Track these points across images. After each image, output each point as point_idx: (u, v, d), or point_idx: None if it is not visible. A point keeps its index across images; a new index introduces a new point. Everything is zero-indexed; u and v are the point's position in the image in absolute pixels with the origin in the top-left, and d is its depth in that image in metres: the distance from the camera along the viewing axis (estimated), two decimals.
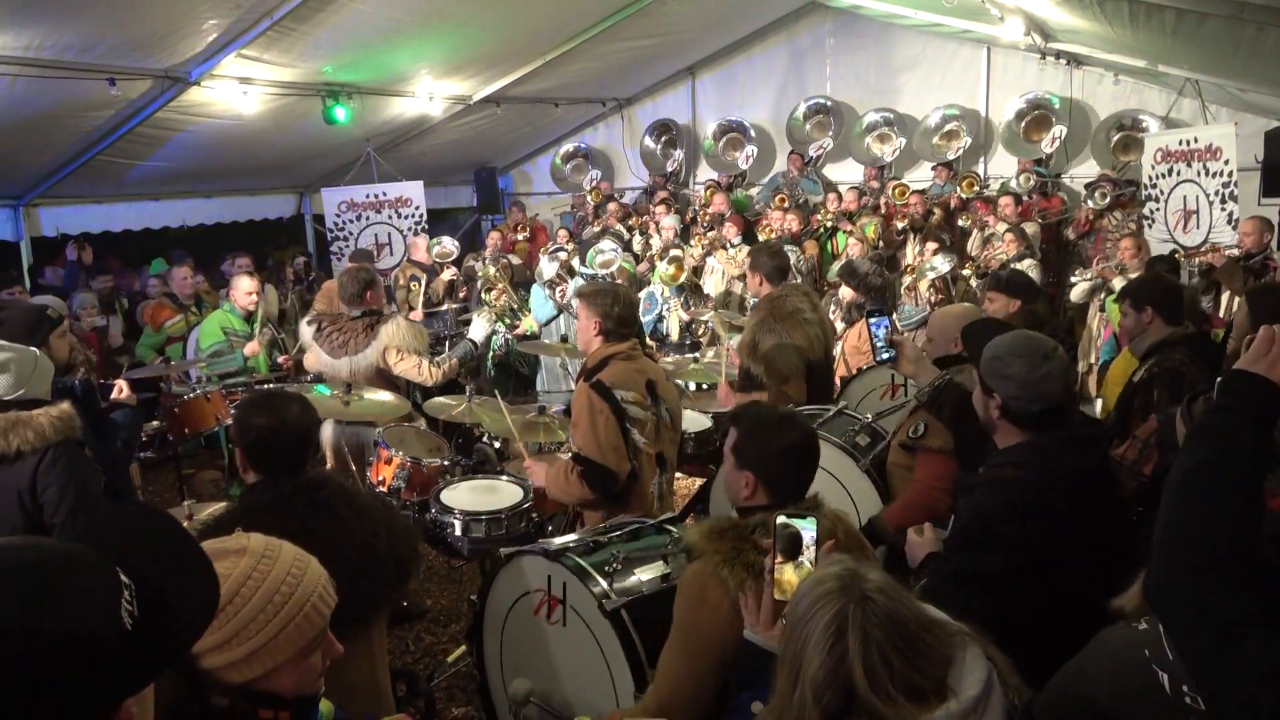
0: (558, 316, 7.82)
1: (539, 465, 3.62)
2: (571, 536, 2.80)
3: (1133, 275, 6.43)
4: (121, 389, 3.87)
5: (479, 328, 5.18)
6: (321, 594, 1.48)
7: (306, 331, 4.85)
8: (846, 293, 5.72)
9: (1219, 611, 1.30)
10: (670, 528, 2.84)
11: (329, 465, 4.58)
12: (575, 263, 8.11)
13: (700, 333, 8.04)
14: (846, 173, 10.84)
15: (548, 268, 7.96)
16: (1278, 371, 1.42)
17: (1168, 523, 1.41)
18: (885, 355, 3.06)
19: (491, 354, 8.41)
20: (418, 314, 7.40)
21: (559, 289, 7.79)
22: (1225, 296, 6.25)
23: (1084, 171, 9.55)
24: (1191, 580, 1.35)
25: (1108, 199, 8.40)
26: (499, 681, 2.87)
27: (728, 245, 8.83)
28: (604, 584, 2.45)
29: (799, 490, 2.19)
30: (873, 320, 3.09)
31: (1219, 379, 1.53)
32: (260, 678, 1.42)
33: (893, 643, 1.33)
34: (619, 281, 7.25)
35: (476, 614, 2.93)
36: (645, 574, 2.54)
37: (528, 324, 8.14)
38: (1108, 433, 2.51)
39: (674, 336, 8.12)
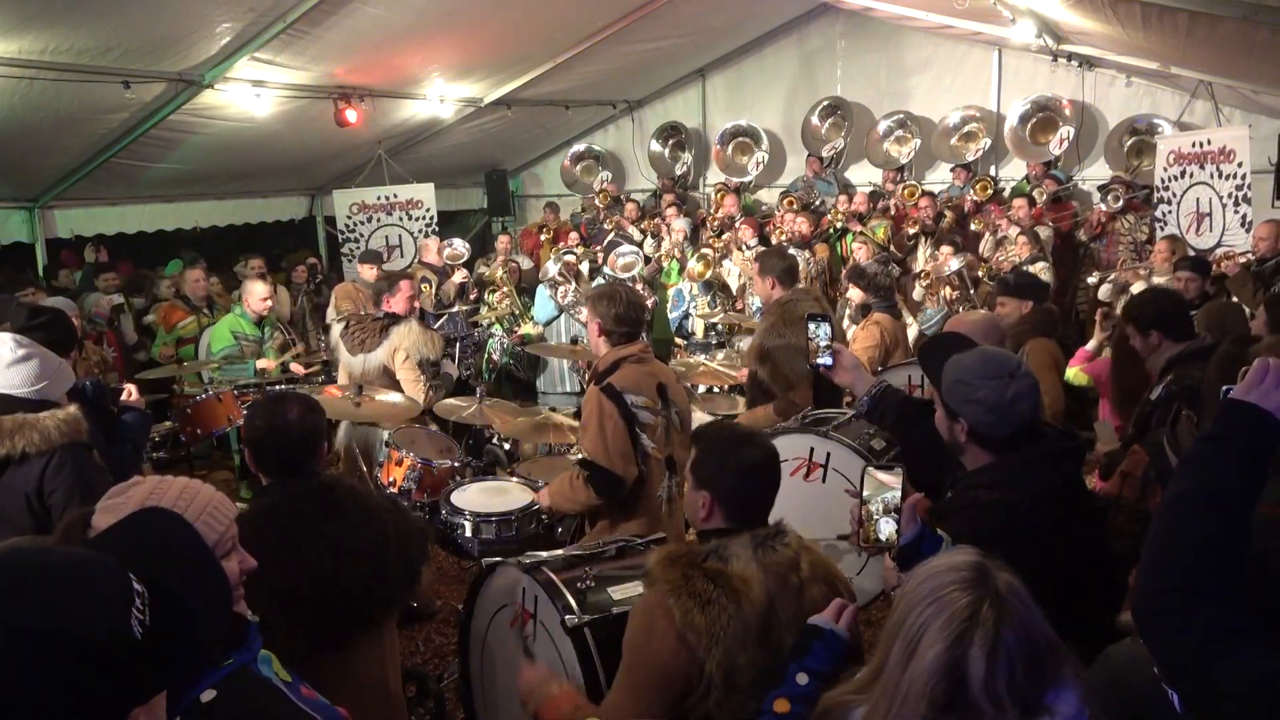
0: (559, 317, 7.83)
1: (544, 491, 3.61)
2: (558, 551, 2.75)
3: (1158, 279, 6.34)
4: (131, 393, 3.88)
5: (451, 368, 5.36)
6: (217, 504, 1.62)
7: (336, 330, 5.05)
8: (856, 294, 5.70)
9: (1201, 628, 1.33)
10: (658, 547, 2.80)
11: (341, 466, 4.62)
12: (584, 266, 8.12)
13: (722, 331, 8.05)
14: (864, 175, 10.82)
15: (552, 268, 7.98)
16: (1271, 401, 1.44)
17: (1152, 546, 1.45)
18: (822, 360, 2.86)
19: (486, 358, 8.42)
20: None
21: (560, 289, 7.80)
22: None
23: (1095, 174, 9.50)
24: (1173, 600, 1.37)
25: (1120, 201, 8.35)
26: (479, 692, 2.85)
27: (744, 247, 8.82)
28: (571, 600, 2.39)
29: (759, 512, 2.11)
30: (812, 323, 2.90)
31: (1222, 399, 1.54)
32: None
33: (1021, 651, 1.30)
34: (636, 285, 7.26)
35: (462, 624, 2.90)
36: (619, 593, 2.46)
37: (527, 329, 8.15)
38: (1082, 446, 2.45)
39: (699, 335, 8.14)
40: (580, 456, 3.40)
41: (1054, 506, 2.12)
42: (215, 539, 1.56)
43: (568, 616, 2.35)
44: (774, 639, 1.93)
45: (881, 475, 1.91)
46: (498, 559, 2.74)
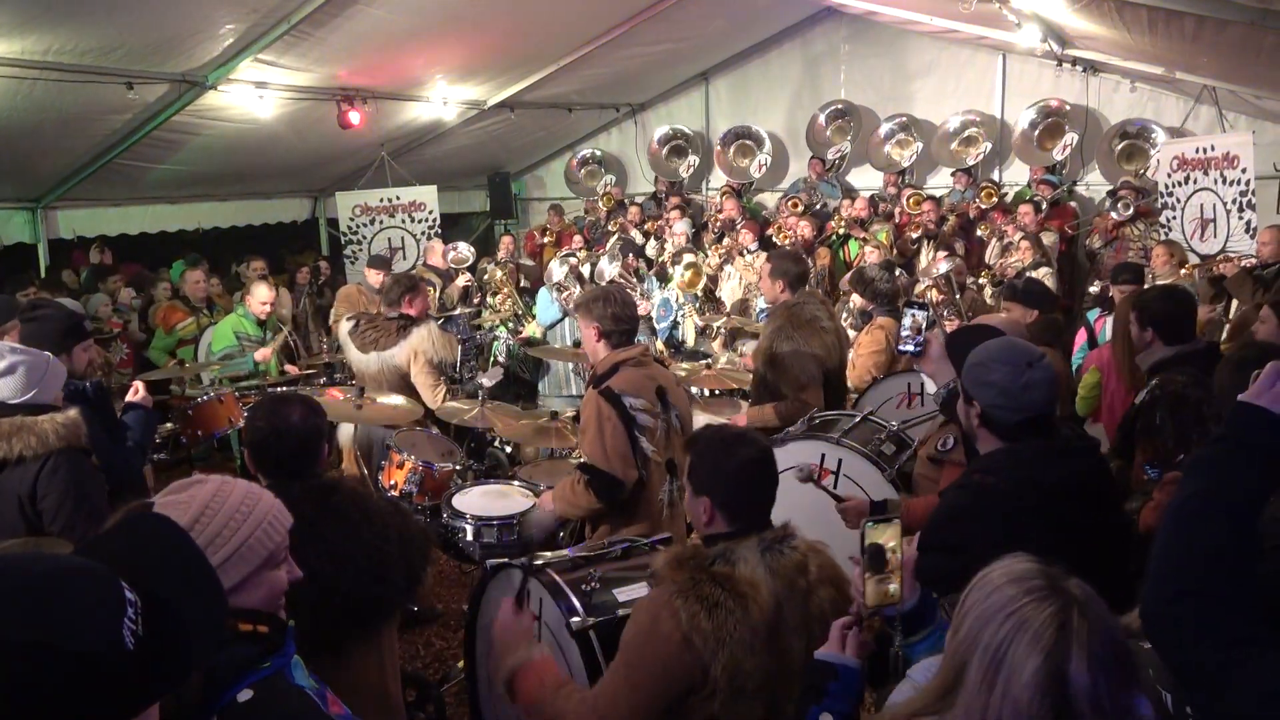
0: (562, 320, 7.81)
1: (547, 495, 3.59)
2: (564, 551, 2.75)
3: (1160, 281, 6.29)
4: (137, 390, 3.86)
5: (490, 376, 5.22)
6: (276, 514, 1.61)
7: (345, 328, 5.00)
8: (858, 299, 5.68)
9: (1214, 635, 1.32)
10: (664, 548, 2.80)
11: (344, 467, 4.59)
12: (585, 269, 8.09)
13: (714, 338, 8.02)
14: (866, 179, 10.81)
15: (557, 270, 7.95)
16: None
17: (1161, 550, 1.44)
18: (908, 348, 2.93)
19: (492, 360, 8.40)
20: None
21: (565, 293, 7.77)
22: (1235, 306, 6.17)
23: (1098, 179, 9.50)
24: (1184, 606, 1.36)
25: (1131, 208, 8.30)
26: (486, 692, 2.84)
27: (744, 252, 8.80)
28: (576, 602, 2.38)
29: (760, 514, 2.09)
30: (908, 311, 2.94)
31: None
32: (236, 589, 1.49)
33: (1113, 656, 1.27)
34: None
35: (468, 624, 2.89)
36: (624, 594, 2.45)
37: (531, 330, 8.12)
38: (1096, 445, 2.43)
39: (690, 343, 8.10)
40: (580, 460, 3.37)
41: (1057, 503, 2.09)
42: (272, 548, 1.56)
43: (573, 619, 2.34)
44: (781, 643, 1.93)
45: (880, 531, 1.71)
46: (501, 560, 2.73)
